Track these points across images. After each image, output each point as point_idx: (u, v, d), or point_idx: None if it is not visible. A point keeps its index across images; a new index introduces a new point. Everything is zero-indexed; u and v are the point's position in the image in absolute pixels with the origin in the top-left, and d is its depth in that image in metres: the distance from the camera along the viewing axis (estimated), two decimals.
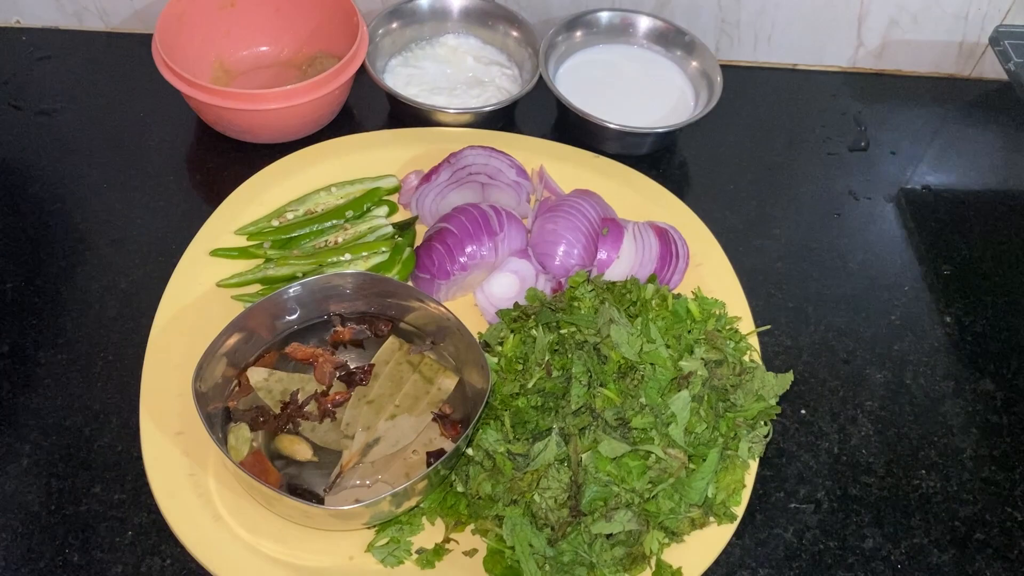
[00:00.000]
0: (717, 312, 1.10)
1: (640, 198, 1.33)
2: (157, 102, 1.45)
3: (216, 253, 1.20)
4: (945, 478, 1.15)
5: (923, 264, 1.37)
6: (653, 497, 0.95)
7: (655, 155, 1.46)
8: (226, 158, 1.40)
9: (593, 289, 1.10)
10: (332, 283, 1.08)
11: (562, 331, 1.06)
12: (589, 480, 0.94)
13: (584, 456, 0.96)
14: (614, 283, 1.12)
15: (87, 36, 1.56)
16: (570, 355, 1.01)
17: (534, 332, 1.07)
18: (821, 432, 1.18)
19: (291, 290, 1.05)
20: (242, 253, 1.21)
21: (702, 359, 1.01)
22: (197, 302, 1.16)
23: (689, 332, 1.04)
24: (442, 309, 1.06)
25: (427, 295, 1.07)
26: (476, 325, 1.19)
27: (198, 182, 1.38)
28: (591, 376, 0.99)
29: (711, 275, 1.25)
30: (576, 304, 1.09)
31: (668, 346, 1.02)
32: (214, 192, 1.34)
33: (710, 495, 0.97)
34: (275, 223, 1.25)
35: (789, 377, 1.03)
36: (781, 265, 1.35)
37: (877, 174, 1.49)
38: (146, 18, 1.53)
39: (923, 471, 1.15)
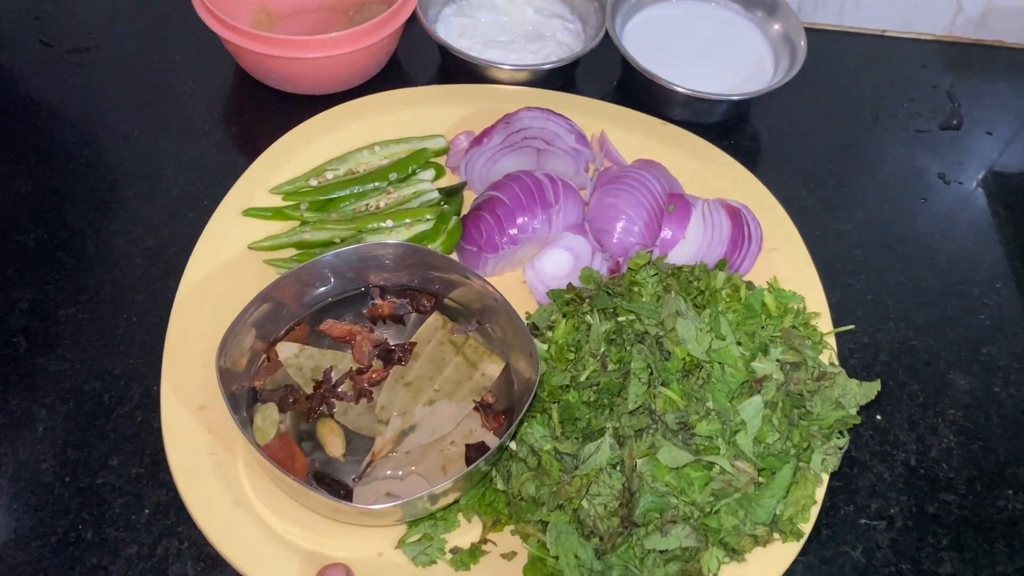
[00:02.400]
0: (795, 307, 0.99)
1: (709, 172, 1.21)
2: (195, 44, 1.36)
3: (249, 213, 1.12)
4: None
5: (1018, 259, 1.24)
6: (715, 512, 0.85)
7: (726, 124, 1.34)
8: (265, 109, 1.31)
9: (656, 274, 1.00)
10: (371, 253, 0.99)
11: (620, 319, 0.97)
12: (644, 489, 0.85)
13: (640, 462, 0.86)
14: (680, 268, 1.02)
15: None
16: (629, 348, 0.92)
17: (589, 318, 0.97)
18: (897, 441, 1.07)
19: (326, 259, 0.97)
20: (276, 214, 1.13)
21: (777, 361, 0.90)
22: (227, 265, 1.08)
23: (763, 328, 0.94)
24: (489, 287, 0.96)
25: (473, 271, 0.98)
26: (523, 304, 1.10)
27: (234, 134, 1.29)
28: (652, 373, 0.89)
29: (785, 261, 1.14)
30: (636, 290, 0.99)
31: (740, 343, 0.92)
32: (250, 145, 1.25)
33: (778, 512, 0.88)
34: (313, 182, 1.16)
35: (876, 386, 0.92)
36: (860, 253, 1.23)
37: (970, 156, 1.35)
38: None
39: (1010, 491, 1.05)
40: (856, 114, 1.39)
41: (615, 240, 1.12)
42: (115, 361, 1.06)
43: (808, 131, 1.36)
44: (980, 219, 1.28)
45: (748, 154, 1.31)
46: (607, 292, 0.99)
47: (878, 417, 1.09)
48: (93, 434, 1.01)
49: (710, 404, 0.86)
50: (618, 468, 0.87)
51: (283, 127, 1.23)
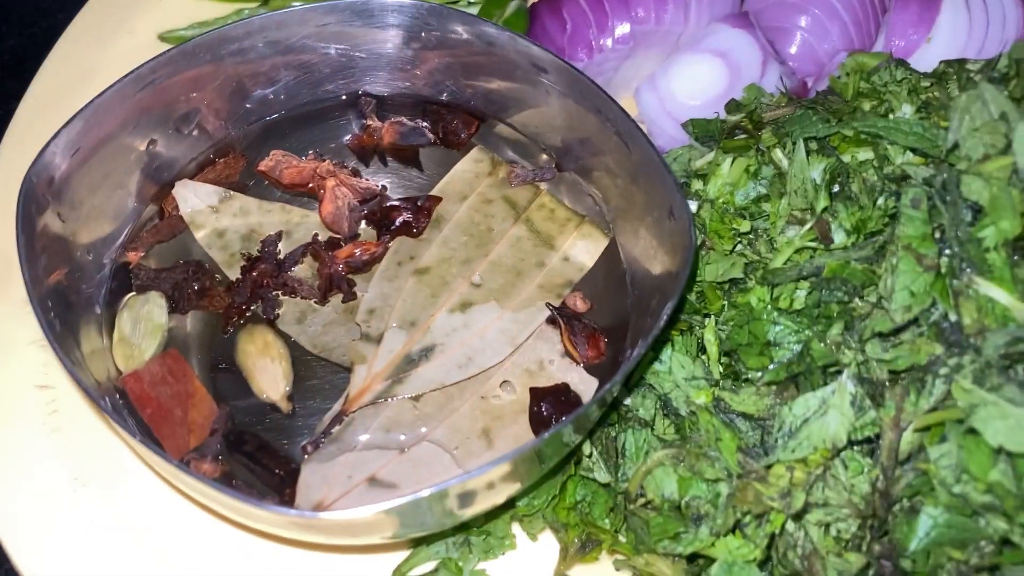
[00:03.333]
0: None
1: None
2: None
3: None
4: None
5: None
6: None
7: None
8: None
9: (906, 77, 0.50)
10: (359, 17, 0.52)
11: (846, 156, 0.48)
12: (931, 498, 0.37)
13: (917, 436, 0.38)
14: (946, 71, 0.52)
15: None
16: (882, 199, 0.43)
17: (779, 154, 0.49)
18: None
19: (268, 18, 0.50)
20: None
21: None
22: (122, 58, 0.61)
23: None
24: (589, 84, 0.49)
25: (553, 52, 0.50)
26: None
27: None
28: (953, 250, 0.40)
29: None
30: (874, 103, 0.50)
31: None
32: None
33: None
34: None
35: None
36: None
37: None
38: None
39: None
40: None
41: (799, 45, 0.64)
42: None
43: None
44: None
45: None
46: (812, 108, 0.50)
47: None
48: None
49: None
50: (867, 448, 0.39)
51: None
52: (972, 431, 0.41)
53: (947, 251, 0.44)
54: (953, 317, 0.43)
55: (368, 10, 0.56)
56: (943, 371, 0.43)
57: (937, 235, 0.47)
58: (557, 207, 0.57)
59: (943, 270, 0.44)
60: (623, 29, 0.72)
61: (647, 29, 0.69)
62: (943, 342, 0.43)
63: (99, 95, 0.52)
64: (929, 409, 0.43)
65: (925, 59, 0.67)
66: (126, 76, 0.53)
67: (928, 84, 0.59)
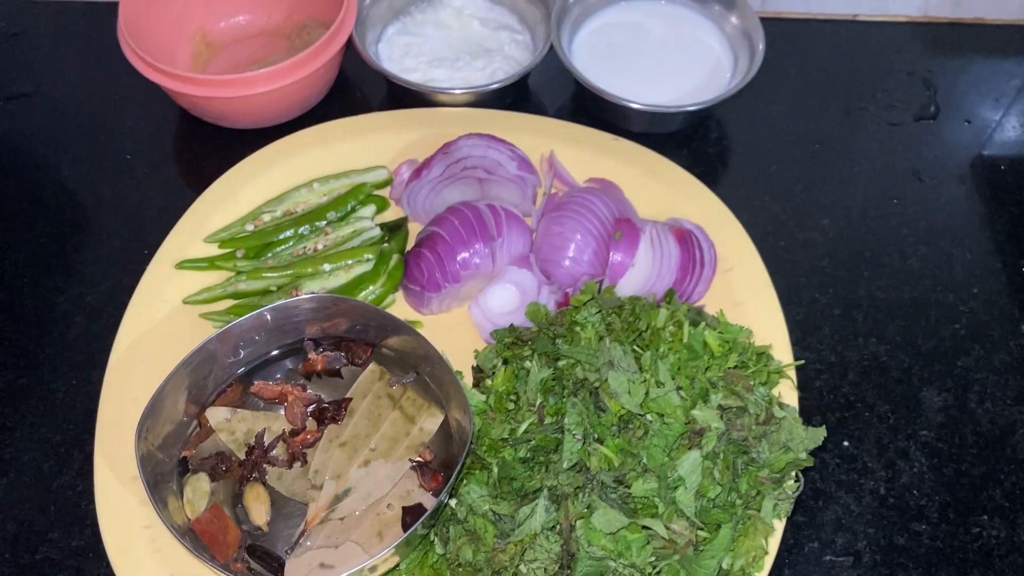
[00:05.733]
0: (744, 341, 0.93)
1: (665, 189, 1.16)
2: (133, 82, 1.31)
3: (182, 266, 1.08)
4: (1012, 525, 0.99)
5: (997, 259, 1.18)
6: (657, 574, 0.81)
7: (686, 131, 1.28)
8: (207, 145, 1.27)
9: (599, 311, 0.95)
10: (295, 308, 0.95)
11: (560, 363, 0.92)
12: (582, 553, 0.81)
13: (578, 523, 0.82)
14: (622, 305, 0.97)
15: (63, 7, 1.42)
16: (566, 398, 0.87)
17: (528, 364, 0.93)
18: (866, 469, 1.03)
19: (248, 321, 0.93)
20: (212, 264, 1.09)
21: (719, 407, 0.86)
22: (162, 322, 1.06)
23: (707, 370, 0.89)
24: (421, 339, 0.93)
25: (400, 323, 0.94)
26: (472, 342, 1.06)
27: (176, 175, 1.26)
28: (587, 429, 0.85)
29: (742, 282, 1.09)
30: (578, 329, 0.94)
31: (680, 388, 0.87)
32: (191, 186, 1.21)
33: (725, 566, 0.84)
34: (249, 227, 1.12)
35: (821, 432, 0.88)
36: (828, 263, 1.17)
37: (947, 149, 1.28)
38: None
39: (984, 517, 1.00)
40: (825, 109, 1.32)
41: (562, 271, 1.07)
42: (54, 428, 1.04)
43: (774, 131, 1.29)
44: (957, 218, 1.21)
45: (709, 162, 1.26)
46: (549, 336, 0.95)
47: (845, 443, 1.04)
48: (33, 506, 0.99)
49: (646, 461, 0.82)
50: (556, 530, 0.83)
51: (226, 164, 1.20)
52: (591, 522, 0.85)
53: (588, 430, 0.88)
54: (589, 464, 0.87)
55: (301, 310, 0.99)
56: (587, 490, 0.87)
57: (584, 418, 0.91)
58: (416, 398, 0.99)
59: (586, 440, 0.88)
60: (455, 270, 1.02)
61: (470, 271, 1.05)
62: (585, 475, 0.87)
63: (166, 380, 0.90)
64: (582, 510, 0.87)
65: (633, 280, 1.10)
66: (181, 363, 0.92)
67: (609, 312, 1.03)
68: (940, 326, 1.12)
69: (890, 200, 1.23)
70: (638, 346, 0.92)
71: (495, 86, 1.20)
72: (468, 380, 1.02)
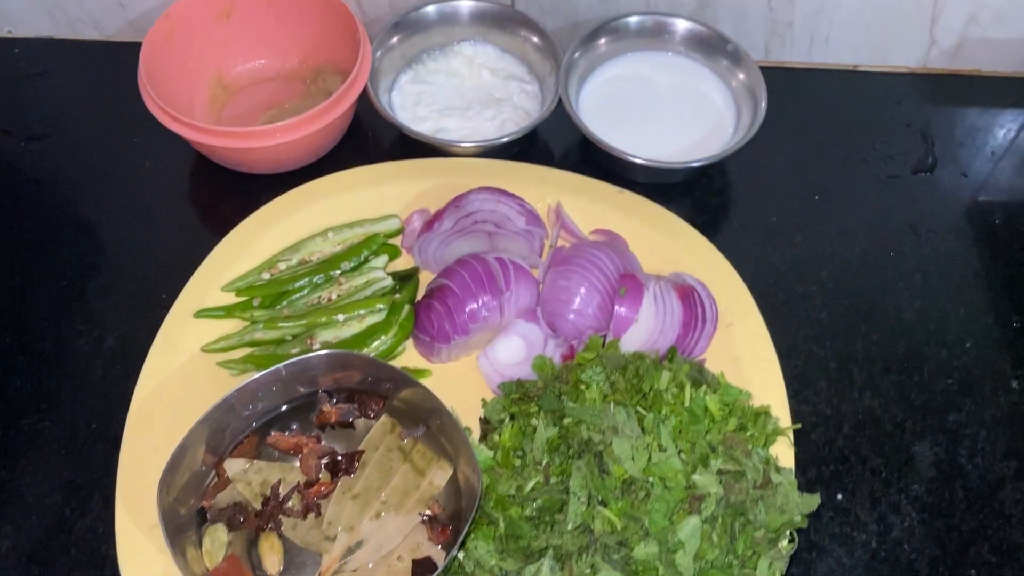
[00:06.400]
0: (742, 405, 0.97)
1: (667, 242, 1.19)
2: (152, 124, 1.35)
3: (200, 315, 1.12)
4: None
5: (991, 314, 1.21)
6: None
7: (690, 183, 1.31)
8: (225, 190, 1.30)
9: (603, 370, 0.98)
10: (306, 365, 0.99)
11: (566, 421, 0.96)
12: None
13: None
14: (626, 365, 1.01)
15: (82, 46, 1.46)
16: (571, 459, 0.91)
17: (535, 421, 0.97)
18: (858, 522, 1.06)
19: (266, 376, 0.97)
20: (229, 313, 1.13)
21: (718, 472, 0.89)
22: (181, 370, 1.09)
23: (707, 433, 0.93)
24: (430, 394, 0.97)
25: (409, 378, 0.98)
26: (480, 391, 1.10)
27: (194, 218, 1.29)
28: (591, 492, 0.88)
29: (742, 337, 1.12)
30: (583, 387, 0.98)
31: (682, 452, 0.91)
32: (210, 230, 1.25)
33: None
34: (266, 276, 1.16)
35: (816, 499, 0.91)
36: (825, 316, 1.21)
37: (943, 202, 1.32)
38: (141, 27, 1.43)
39: (973, 571, 1.03)
40: (826, 160, 1.35)
41: (567, 324, 1.11)
42: (76, 471, 1.08)
43: (775, 182, 1.33)
44: (951, 273, 1.25)
45: (712, 212, 1.29)
46: (555, 393, 0.99)
47: (839, 496, 1.08)
48: (56, 549, 1.03)
49: (648, 525, 0.86)
50: None
51: (244, 207, 1.23)
52: None
53: (592, 493, 0.92)
54: (593, 526, 0.91)
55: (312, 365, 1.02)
56: (590, 551, 0.91)
57: (588, 481, 0.95)
58: (425, 451, 1.03)
59: (590, 502, 0.92)
60: (464, 322, 1.06)
61: (478, 324, 1.08)
62: (589, 536, 0.90)
63: (188, 435, 0.94)
64: (586, 570, 0.91)
65: (636, 335, 1.14)
66: (201, 419, 0.96)
67: (613, 371, 1.07)
68: (933, 381, 1.16)
69: (887, 253, 1.27)
70: (641, 406, 0.96)
71: (505, 140, 1.24)
72: (475, 431, 1.05)
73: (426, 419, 1.02)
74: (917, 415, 1.14)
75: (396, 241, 1.22)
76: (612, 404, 0.93)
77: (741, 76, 1.31)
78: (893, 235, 1.28)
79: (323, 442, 1.02)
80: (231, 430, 1.00)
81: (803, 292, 1.23)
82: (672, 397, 0.96)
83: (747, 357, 1.10)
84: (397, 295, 1.14)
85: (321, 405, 1.03)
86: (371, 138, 1.37)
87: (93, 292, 1.21)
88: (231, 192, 1.30)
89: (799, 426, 1.04)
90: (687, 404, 0.94)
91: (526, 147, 1.34)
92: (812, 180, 1.34)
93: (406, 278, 1.17)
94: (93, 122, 1.38)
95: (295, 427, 1.02)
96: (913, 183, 1.34)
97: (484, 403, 1.07)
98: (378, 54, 1.30)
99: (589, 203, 1.23)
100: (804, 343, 1.19)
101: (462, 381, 1.12)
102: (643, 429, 0.93)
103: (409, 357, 1.14)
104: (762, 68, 1.30)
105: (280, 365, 0.98)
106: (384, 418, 1.03)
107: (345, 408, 1.03)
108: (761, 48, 1.42)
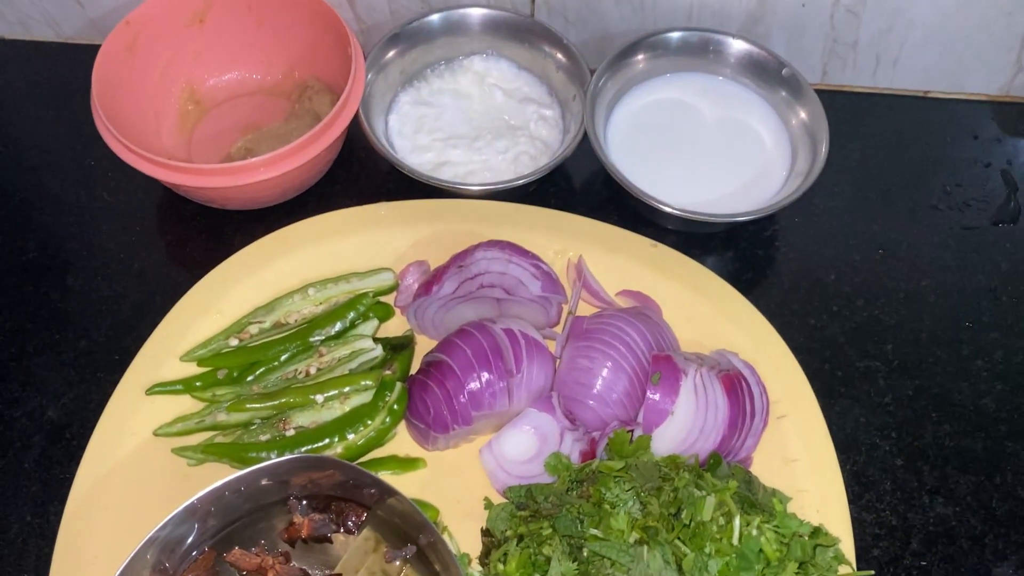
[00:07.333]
0: (803, 538, 0.80)
1: (710, 308, 1.02)
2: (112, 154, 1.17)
3: (153, 391, 0.95)
4: None
5: None
6: None
7: (734, 228, 1.13)
8: (191, 226, 1.13)
9: (632, 489, 0.81)
10: (279, 468, 0.82)
11: (586, 552, 0.79)
12: None
13: None
14: (663, 481, 0.83)
15: (36, 48, 1.27)
16: None
17: (547, 548, 0.80)
18: None
19: (222, 490, 0.80)
20: (188, 387, 0.95)
21: None
22: (129, 458, 0.92)
23: None
24: (418, 512, 0.80)
25: (394, 490, 0.81)
26: (483, 487, 0.93)
27: (157, 260, 1.11)
28: None
29: (796, 433, 0.95)
30: (607, 507, 0.80)
31: None
32: (174, 276, 1.08)
33: None
34: (233, 342, 0.98)
35: None
36: (890, 400, 1.03)
37: None
38: (104, 27, 1.24)
39: None
40: (890, 206, 1.17)
41: (588, 411, 0.94)
42: (4, 570, 0.91)
43: (832, 232, 1.14)
44: None
45: (758, 267, 1.11)
46: (574, 514, 0.81)
47: None
48: None
49: None
50: None
51: (212, 247, 1.07)
52: None
53: None
54: None
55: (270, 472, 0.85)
56: None
57: None
58: (412, 573, 0.87)
59: None
60: (465, 409, 0.89)
61: (483, 412, 0.93)
62: None
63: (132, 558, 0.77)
64: None
65: (671, 431, 0.96)
66: (147, 540, 0.77)
67: (644, 492, 0.89)
68: (1018, 484, 0.98)
69: (963, 323, 1.08)
70: (680, 539, 0.78)
71: (519, 183, 1.05)
72: (475, 540, 0.89)
73: (416, 536, 0.85)
74: (1000, 528, 0.96)
75: (389, 298, 1.04)
76: (646, 548, 0.75)
77: (802, 114, 1.12)
78: (970, 300, 1.10)
79: (292, 562, 0.85)
80: (185, 547, 0.83)
81: (864, 370, 1.05)
82: (718, 529, 0.78)
83: (802, 458, 0.93)
84: (387, 372, 0.96)
85: (292, 514, 0.86)
86: (362, 167, 1.18)
87: (35, 352, 1.04)
88: (199, 229, 1.13)
89: (872, 573, 0.86)
90: (735, 540, 0.77)
91: (542, 182, 1.15)
92: (875, 231, 1.15)
93: (399, 347, 0.99)
94: (43, 139, 1.20)
95: (262, 541, 0.85)
96: (993, 236, 1.15)
97: (487, 504, 0.90)
98: (373, 71, 1.11)
99: (616, 258, 1.05)
100: (865, 434, 1.01)
101: (462, 473, 0.95)
102: (681, 571, 0.76)
103: (401, 441, 0.97)
104: (818, 91, 1.12)
105: (247, 471, 0.80)
106: (366, 532, 0.86)
107: (320, 519, 0.86)
108: (818, 69, 1.22)
